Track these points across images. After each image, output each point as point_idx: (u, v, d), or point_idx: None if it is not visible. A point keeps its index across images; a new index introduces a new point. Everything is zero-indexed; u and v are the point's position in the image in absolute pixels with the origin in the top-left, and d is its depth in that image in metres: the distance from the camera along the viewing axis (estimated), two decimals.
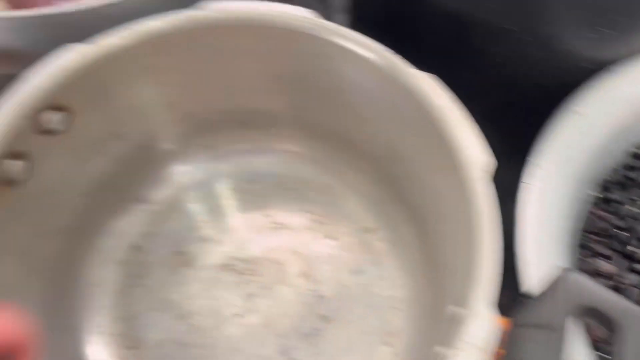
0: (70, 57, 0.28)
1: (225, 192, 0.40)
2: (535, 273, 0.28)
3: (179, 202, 0.39)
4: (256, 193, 0.40)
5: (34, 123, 0.28)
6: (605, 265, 0.32)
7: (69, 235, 0.34)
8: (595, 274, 0.32)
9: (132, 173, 0.37)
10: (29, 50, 0.29)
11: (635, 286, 0.32)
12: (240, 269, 0.37)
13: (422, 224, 0.35)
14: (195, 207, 0.39)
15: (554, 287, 0.22)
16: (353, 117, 0.34)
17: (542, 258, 0.29)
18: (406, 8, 0.38)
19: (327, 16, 0.30)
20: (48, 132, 0.29)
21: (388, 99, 0.30)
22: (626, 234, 0.34)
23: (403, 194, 0.35)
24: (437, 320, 0.30)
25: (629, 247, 0.33)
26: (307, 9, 0.29)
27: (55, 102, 0.29)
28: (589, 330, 0.27)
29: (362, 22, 0.40)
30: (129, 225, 0.38)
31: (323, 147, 0.39)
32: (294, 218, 0.39)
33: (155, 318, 0.35)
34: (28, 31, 0.29)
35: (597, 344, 0.28)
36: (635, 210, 0.34)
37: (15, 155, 0.28)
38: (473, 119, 0.27)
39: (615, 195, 0.35)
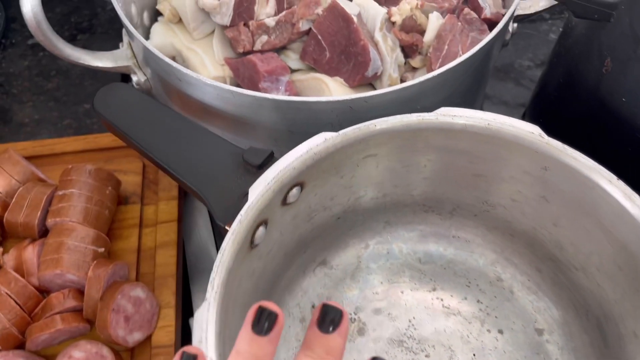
0: (319, 142, 0.32)
1: (398, 268, 0.42)
2: None
3: (357, 271, 0.42)
4: (427, 273, 0.42)
5: (282, 197, 0.32)
6: None
7: (269, 291, 0.37)
8: None
9: (322, 238, 0.40)
10: (287, 129, 0.34)
11: None
12: (411, 346, 0.39)
13: (605, 339, 0.35)
14: (370, 278, 0.42)
15: None
16: (550, 223, 0.36)
17: None
18: (591, 116, 0.40)
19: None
20: (287, 203, 0.33)
21: (604, 216, 0.32)
22: None
23: (587, 305, 0.36)
24: None
25: None
26: (533, 125, 0.32)
27: (299, 179, 0.33)
28: None
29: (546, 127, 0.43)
30: (311, 287, 0.41)
31: (502, 241, 0.40)
32: (464, 305, 0.40)
33: None
34: (291, 113, 0.34)
35: None
36: None
37: (263, 222, 0.32)
38: None
39: None
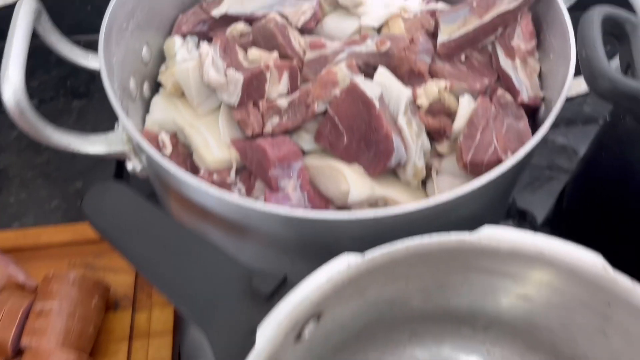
0: (341, 269, 0.28)
1: None
2: None
3: None
4: None
5: (296, 333, 0.27)
6: None
7: None
8: None
9: (338, 354, 0.35)
10: (301, 243, 0.29)
11: None
12: None
13: None
14: None
15: None
16: (607, 357, 0.30)
17: None
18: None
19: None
20: (300, 340, 0.28)
21: None
22: None
23: None
24: None
25: None
26: (596, 253, 0.27)
27: (317, 311, 0.28)
28: None
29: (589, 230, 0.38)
30: None
31: None
32: None
33: None
34: (306, 228, 0.29)
35: None
36: None
37: None
38: None
39: None
